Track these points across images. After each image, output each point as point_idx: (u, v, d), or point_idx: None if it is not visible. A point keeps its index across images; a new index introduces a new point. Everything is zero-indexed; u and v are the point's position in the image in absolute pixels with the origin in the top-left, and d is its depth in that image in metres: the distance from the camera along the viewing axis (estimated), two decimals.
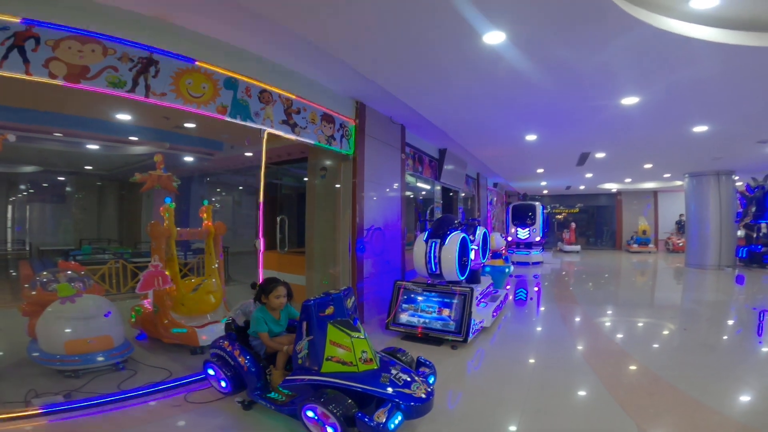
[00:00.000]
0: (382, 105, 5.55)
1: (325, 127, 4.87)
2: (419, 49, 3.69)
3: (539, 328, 5.47)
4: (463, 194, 11.24)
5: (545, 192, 19.04)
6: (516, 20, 3.19)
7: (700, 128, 6.34)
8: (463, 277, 4.99)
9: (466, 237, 5.10)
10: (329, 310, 2.71)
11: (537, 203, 13.89)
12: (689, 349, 4.48)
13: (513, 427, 2.79)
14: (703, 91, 4.70)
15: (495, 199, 16.23)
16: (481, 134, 7.15)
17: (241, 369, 2.93)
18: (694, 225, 11.89)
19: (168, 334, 4.08)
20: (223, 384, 3.08)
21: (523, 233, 13.60)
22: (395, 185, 6.31)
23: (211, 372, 3.13)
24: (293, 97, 4.34)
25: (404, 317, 4.81)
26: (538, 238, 13.52)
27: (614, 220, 19.56)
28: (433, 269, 4.88)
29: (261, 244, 4.04)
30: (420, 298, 4.81)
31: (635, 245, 17.18)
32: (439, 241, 4.89)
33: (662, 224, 18.07)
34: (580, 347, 4.60)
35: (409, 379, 2.57)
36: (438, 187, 9.19)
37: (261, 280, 3.44)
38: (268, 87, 4.03)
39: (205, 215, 4.69)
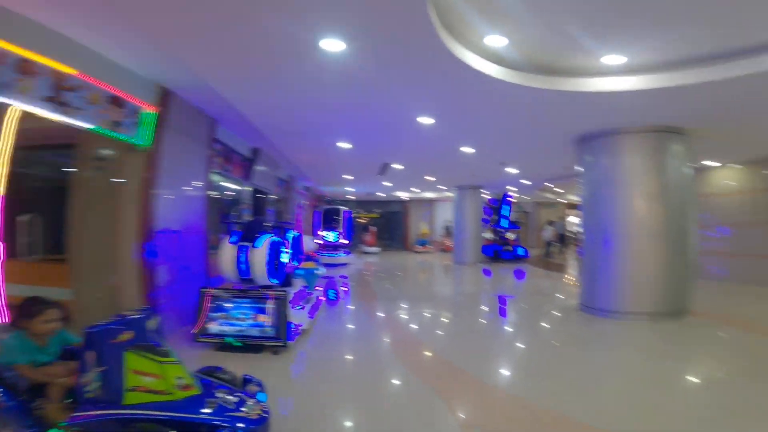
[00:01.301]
0: (193, 94, 4.94)
1: (111, 111, 3.99)
2: (245, 32, 3.36)
3: (351, 326, 5.91)
4: (275, 196, 11.05)
5: (350, 197, 20.57)
6: (356, 34, 3.34)
7: (467, 149, 8.02)
8: (277, 281, 4.92)
9: (279, 240, 5.05)
10: (125, 336, 2.24)
11: (343, 207, 14.90)
12: (463, 334, 5.61)
13: (349, 423, 2.92)
14: (475, 118, 5.90)
15: (305, 202, 16.56)
16: (299, 137, 7.19)
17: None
18: (458, 229, 14.95)
19: None
20: None
21: (330, 236, 14.36)
22: (198, 184, 5.68)
23: None
24: (72, 72, 3.43)
25: (214, 327, 4.41)
26: (344, 241, 14.49)
27: (404, 225, 22.80)
28: (245, 274, 4.63)
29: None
30: (230, 305, 4.48)
31: (419, 246, 20.40)
32: (249, 244, 4.68)
33: (438, 229, 22.06)
34: (386, 340, 5.16)
35: (238, 400, 2.37)
36: (248, 188, 8.75)
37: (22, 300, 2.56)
38: (34, 57, 3.08)
39: None
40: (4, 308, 3.00)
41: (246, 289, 4.63)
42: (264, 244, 4.71)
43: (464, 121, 6.09)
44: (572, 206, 23.58)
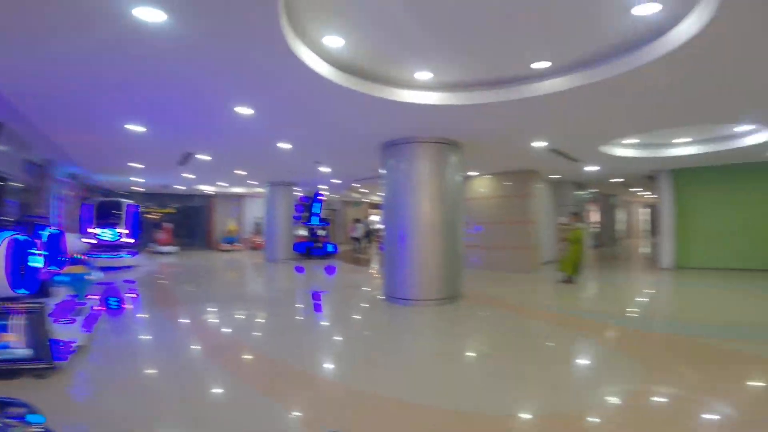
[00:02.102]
0: None
1: None
2: None
3: (148, 337, 4.97)
4: (20, 184, 8.29)
5: (139, 189, 17.32)
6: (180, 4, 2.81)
7: (284, 145, 7.83)
8: (26, 291, 3.77)
9: (26, 239, 3.85)
10: None
11: (126, 201, 12.45)
12: (283, 332, 5.45)
13: None
14: (298, 115, 5.76)
15: (70, 193, 13.04)
16: (72, 113, 5.57)
17: None
18: (269, 226, 14.55)
19: None
20: None
21: (108, 234, 11.79)
22: None
23: None
24: None
25: None
26: (128, 240, 12.11)
27: (207, 221, 20.69)
28: None
29: None
30: None
31: (225, 244, 18.90)
32: None
33: (246, 225, 20.91)
34: (198, 347, 4.55)
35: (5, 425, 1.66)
36: None
37: None
38: None
39: None
40: None
41: None
42: (2, 244, 3.53)
43: (285, 116, 5.89)
44: (375, 206, 26.18)
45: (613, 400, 3.27)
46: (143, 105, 5.31)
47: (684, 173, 11.02)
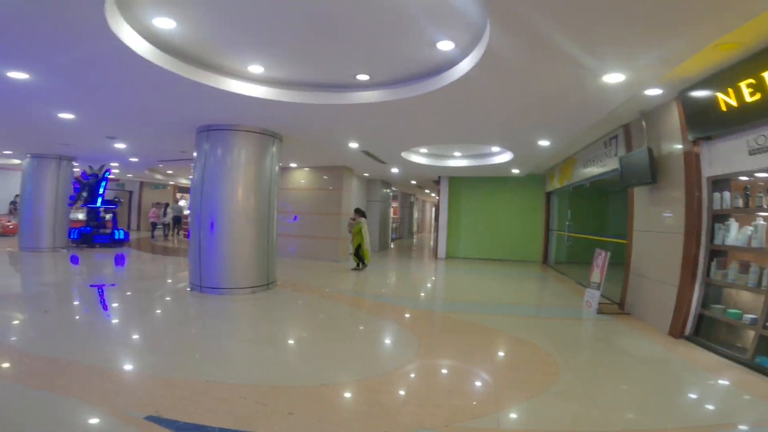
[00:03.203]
0: None
1: None
2: None
3: None
4: None
5: None
6: None
7: (67, 115, 6.41)
8: None
9: None
10: None
11: None
12: (66, 329, 4.51)
13: None
14: (95, 87, 4.95)
15: None
16: None
17: None
18: (29, 207, 11.45)
19: None
20: None
21: None
22: None
23: None
24: None
25: None
26: None
27: None
28: None
29: None
30: None
31: None
32: None
33: None
34: None
35: None
36: None
37: None
38: None
39: None
40: None
41: None
42: None
43: (76, 88, 4.94)
44: (184, 189, 23.43)
45: (397, 363, 4.11)
46: None
47: (457, 180, 13.94)
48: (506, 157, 9.93)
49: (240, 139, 6.82)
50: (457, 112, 5.81)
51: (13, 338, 4.24)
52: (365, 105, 5.54)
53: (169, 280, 8.18)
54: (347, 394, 3.27)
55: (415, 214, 28.11)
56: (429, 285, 9.22)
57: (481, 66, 4.00)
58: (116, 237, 13.34)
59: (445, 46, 4.15)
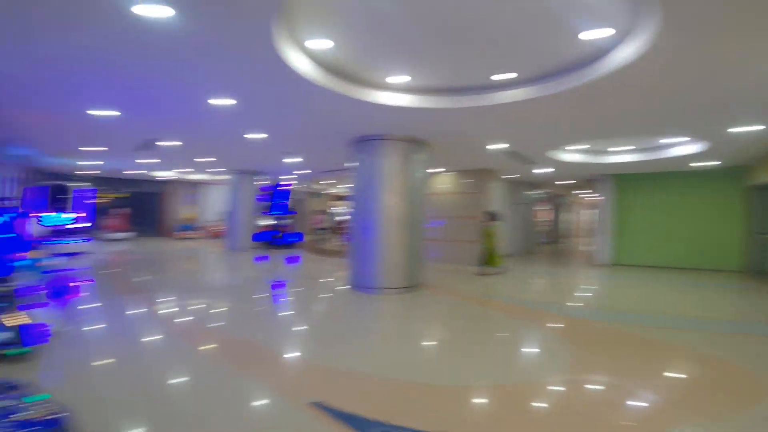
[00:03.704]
0: None
1: None
2: None
3: (115, 322, 5.02)
4: None
5: (90, 173, 16.45)
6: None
7: (255, 136, 7.94)
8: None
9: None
10: None
11: (79, 184, 11.93)
12: (253, 317, 5.68)
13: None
14: (274, 108, 5.93)
15: (20, 175, 12.25)
16: (35, 92, 5.36)
17: None
18: (233, 214, 14.44)
19: None
20: None
21: (59, 219, 11.30)
22: None
23: None
24: None
25: None
26: (81, 225, 11.65)
27: (162, 208, 19.99)
28: None
29: None
30: None
31: (182, 232, 18.42)
32: None
33: (208, 213, 20.42)
34: (168, 330, 4.70)
35: (15, 404, 1.88)
36: None
37: None
38: None
39: None
40: None
41: None
42: None
43: (263, 110, 6.06)
44: (338, 198, 26.33)
45: (547, 372, 3.88)
46: (117, 90, 5.29)
47: (623, 178, 12.18)
48: (689, 148, 8.32)
49: (389, 147, 7.36)
50: (618, 100, 5.17)
51: (214, 322, 5.46)
52: (507, 104, 5.40)
53: (331, 279, 9.30)
54: (492, 398, 3.23)
55: (566, 217, 25.61)
56: (585, 293, 8.32)
57: (666, 44, 3.49)
58: (292, 240, 15.81)
59: (601, 33, 3.77)
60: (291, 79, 4.53)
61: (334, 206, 26.23)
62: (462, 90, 5.55)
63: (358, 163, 7.70)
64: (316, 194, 25.63)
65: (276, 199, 16.08)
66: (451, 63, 4.76)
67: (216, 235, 18.77)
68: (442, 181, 12.61)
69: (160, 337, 4.62)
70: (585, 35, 3.89)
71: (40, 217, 11.05)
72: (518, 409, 3.07)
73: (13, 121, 7.12)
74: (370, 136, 7.43)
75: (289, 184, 16.50)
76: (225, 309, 6.10)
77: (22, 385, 2.26)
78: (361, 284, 7.40)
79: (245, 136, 7.89)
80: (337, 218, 21.42)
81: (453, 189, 12.39)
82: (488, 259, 9.77)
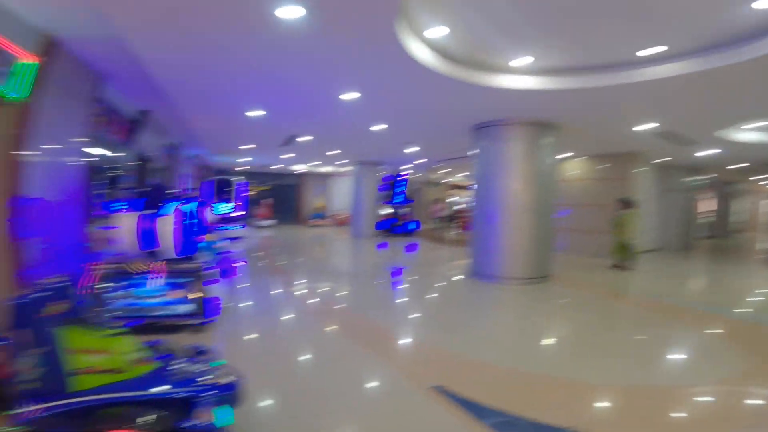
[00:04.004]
0: (81, 46, 4.21)
1: None
2: None
3: (271, 300, 5.89)
4: (159, 165, 9.91)
5: (242, 168, 19.36)
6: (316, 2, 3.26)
7: (379, 127, 8.33)
8: (187, 253, 4.58)
9: (187, 209, 4.71)
10: (57, 307, 1.96)
11: (237, 178, 14.12)
12: (379, 301, 6.09)
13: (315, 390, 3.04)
14: (397, 99, 6.13)
15: (192, 171, 15.15)
16: (207, 100, 6.52)
17: None
18: (357, 203, 15.43)
19: None
20: None
21: (224, 208, 13.63)
22: (78, 147, 4.86)
23: None
24: None
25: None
26: (239, 213, 13.86)
27: (298, 198, 22.44)
28: (150, 245, 4.25)
29: None
30: (132, 282, 4.10)
31: (314, 220, 20.41)
32: (154, 213, 4.32)
33: (334, 203, 22.25)
34: (312, 311, 5.34)
35: (204, 368, 2.22)
36: (126, 154, 7.68)
37: None
38: None
39: None
40: None
41: (153, 263, 4.25)
42: (172, 212, 4.34)
43: (385, 101, 6.33)
44: (455, 187, 26.05)
45: (710, 377, 3.28)
46: (265, 92, 6.06)
47: None
48: None
49: (513, 132, 6.99)
50: None
51: (344, 303, 5.93)
52: (658, 81, 4.66)
53: (451, 267, 9.31)
54: (637, 399, 2.86)
55: (738, 207, 20.97)
56: (756, 295, 6.73)
57: None
58: (410, 228, 16.26)
59: None
60: (413, 69, 4.61)
61: (452, 195, 26.05)
62: (599, 68, 4.97)
63: (478, 150, 7.50)
64: (434, 183, 25.76)
65: (395, 188, 16.65)
66: (589, 39, 4.29)
67: (342, 223, 20.32)
68: (572, 166, 11.48)
69: (298, 315, 5.25)
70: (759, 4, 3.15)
71: (213, 206, 13.47)
72: (666, 413, 2.68)
73: (189, 127, 8.75)
74: (493, 122, 7.16)
75: (407, 174, 16.91)
76: (352, 292, 6.63)
77: (209, 351, 2.63)
78: (483, 273, 7.25)
79: (370, 128, 8.31)
80: (455, 207, 21.23)
81: (584, 174, 11.20)
82: (620, 251, 8.71)
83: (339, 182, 22.25)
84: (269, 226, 18.69)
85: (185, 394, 2.01)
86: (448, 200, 22.73)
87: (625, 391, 3.11)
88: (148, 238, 4.24)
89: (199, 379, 2.10)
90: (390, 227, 16.12)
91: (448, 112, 6.86)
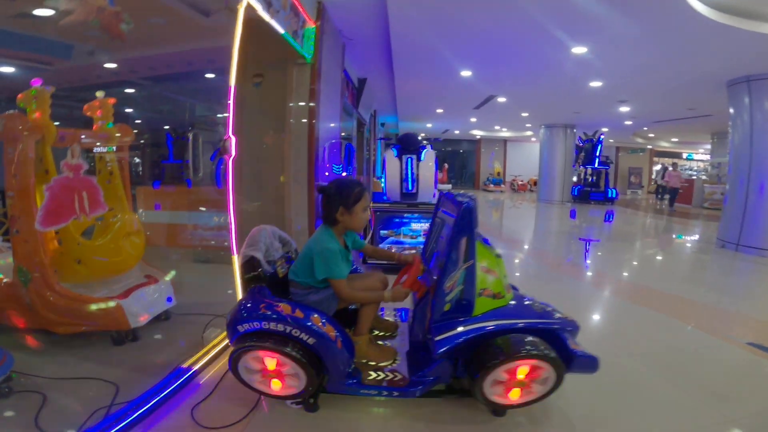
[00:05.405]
0: (342, 12, 4.66)
1: (292, 19, 3.85)
2: None
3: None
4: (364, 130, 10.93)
5: (422, 135, 20.14)
6: None
7: (596, 83, 7.39)
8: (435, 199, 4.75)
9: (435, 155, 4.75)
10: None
11: (427, 143, 14.68)
12: (653, 271, 5.61)
13: None
14: (632, 50, 5.31)
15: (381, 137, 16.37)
16: (431, 61, 6.61)
17: (328, 347, 1.67)
18: (545, 168, 14.32)
19: (64, 318, 2.30)
20: (289, 383, 1.75)
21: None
22: (335, 108, 5.55)
23: (253, 366, 1.76)
24: None
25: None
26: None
27: (474, 163, 22.22)
28: (409, 188, 4.39)
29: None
30: (401, 221, 4.24)
31: (491, 185, 19.96)
32: (414, 156, 4.44)
33: (509, 168, 21.28)
34: (592, 281, 4.87)
35: (545, 305, 1.97)
36: (353, 120, 8.68)
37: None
38: None
39: (99, 113, 2.72)
40: None
41: (418, 203, 4.30)
42: (428, 156, 4.44)
43: (618, 53, 5.54)
44: (660, 153, 21.70)
45: None
46: (486, 53, 5.89)
47: None
48: None
49: None
50: None
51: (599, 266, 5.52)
52: None
53: (685, 239, 7.91)
54: None
55: None
56: None
57: None
58: (609, 195, 14.41)
59: None
60: (682, 14, 3.88)
61: (657, 162, 21.92)
62: None
63: (740, 109, 6.17)
64: (638, 150, 21.95)
65: (593, 152, 14.79)
66: None
67: (521, 189, 19.32)
68: None
69: (579, 284, 5.12)
70: None
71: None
72: None
73: (398, 91, 9.10)
74: (761, 75, 5.77)
75: (601, 138, 14.75)
76: (615, 261, 5.92)
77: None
78: (742, 243, 6.17)
79: (589, 83, 7.40)
80: (662, 175, 17.77)
81: None
82: None
83: (517, 147, 21.09)
84: (448, 190, 19.08)
85: (557, 326, 1.79)
86: (655, 168, 19.13)
87: None
88: (409, 180, 4.42)
89: (555, 314, 1.88)
90: (581, 194, 14.59)
91: (689, 65, 5.80)
